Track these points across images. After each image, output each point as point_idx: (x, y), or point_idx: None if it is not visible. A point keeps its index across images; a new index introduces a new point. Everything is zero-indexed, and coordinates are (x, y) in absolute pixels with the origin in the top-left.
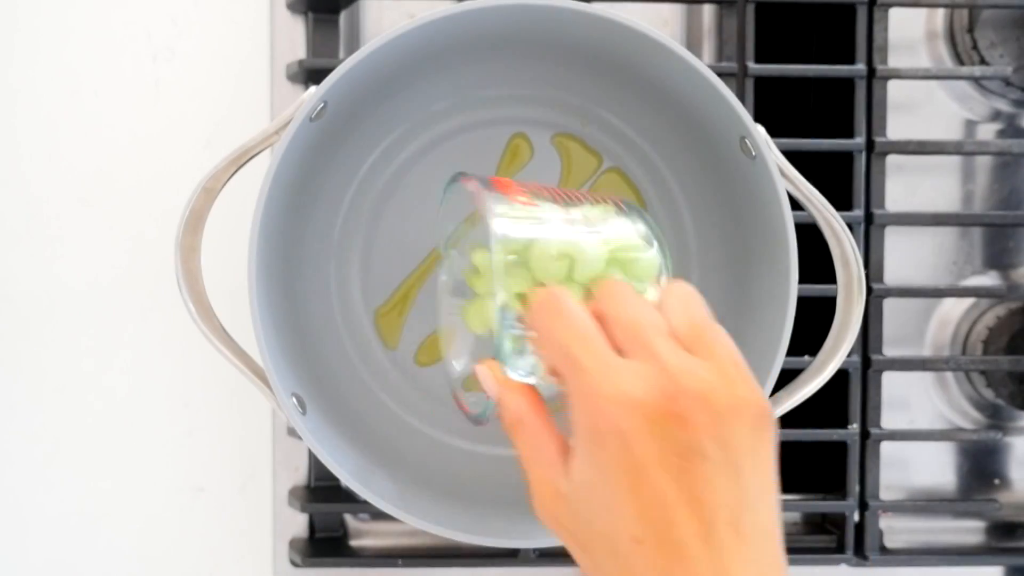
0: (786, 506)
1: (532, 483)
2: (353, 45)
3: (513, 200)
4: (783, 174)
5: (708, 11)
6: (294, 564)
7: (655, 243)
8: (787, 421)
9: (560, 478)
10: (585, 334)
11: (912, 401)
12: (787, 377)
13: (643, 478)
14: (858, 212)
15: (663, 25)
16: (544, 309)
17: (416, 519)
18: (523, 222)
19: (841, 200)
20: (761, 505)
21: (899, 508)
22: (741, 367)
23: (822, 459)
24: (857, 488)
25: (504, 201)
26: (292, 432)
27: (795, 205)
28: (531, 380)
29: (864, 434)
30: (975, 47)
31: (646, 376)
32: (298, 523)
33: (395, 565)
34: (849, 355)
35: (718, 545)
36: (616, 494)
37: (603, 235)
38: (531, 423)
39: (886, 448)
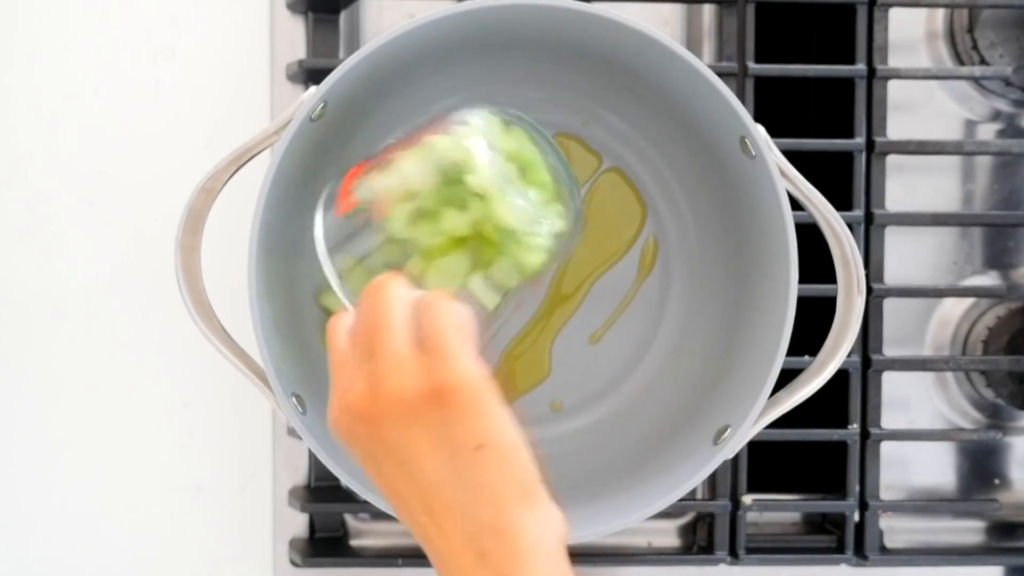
0: (786, 506)
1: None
2: (353, 45)
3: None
4: (783, 174)
5: (708, 11)
6: (294, 564)
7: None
8: (787, 421)
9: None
10: (335, 342)
11: (912, 401)
12: (787, 377)
13: (370, 476)
14: (858, 212)
15: (663, 25)
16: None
17: None
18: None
19: (841, 200)
20: (448, 486)
21: (899, 508)
22: (395, 353)
23: (822, 459)
24: (857, 488)
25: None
26: (292, 432)
27: (795, 205)
28: None
29: (864, 434)
30: (975, 47)
31: (333, 402)
32: (298, 523)
33: (395, 565)
34: (849, 355)
35: (420, 525)
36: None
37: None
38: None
39: (886, 448)
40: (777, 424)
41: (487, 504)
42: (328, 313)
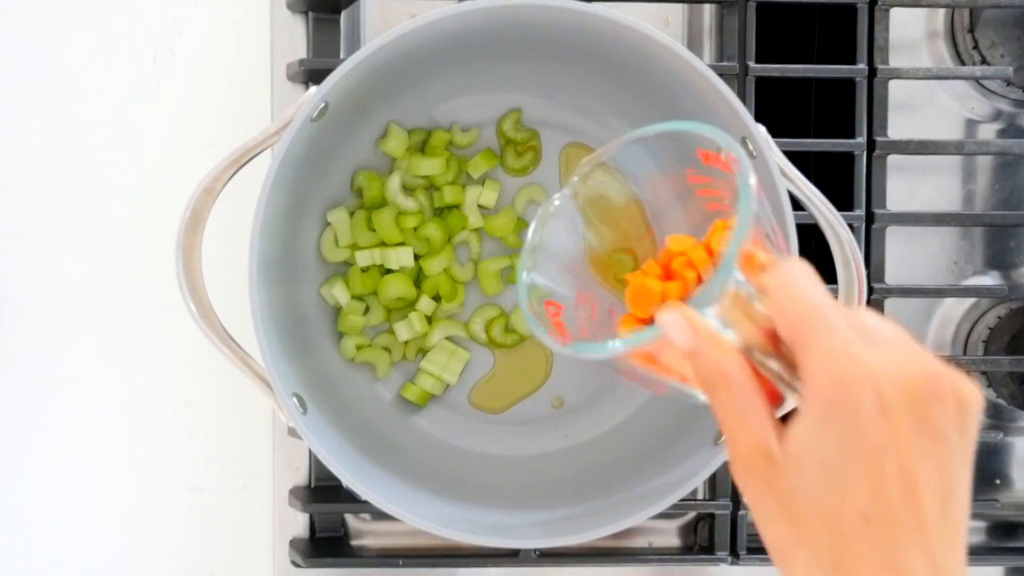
0: None
1: (738, 443)
2: (354, 45)
3: None
4: (784, 174)
5: (709, 11)
6: (295, 564)
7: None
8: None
9: (773, 441)
10: (830, 303)
11: None
12: None
13: (891, 453)
14: (859, 212)
15: (664, 25)
16: (786, 274)
17: (417, 519)
18: None
19: (842, 200)
20: (965, 497)
21: None
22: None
23: None
24: None
25: None
26: (293, 432)
27: (796, 205)
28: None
29: None
30: (976, 47)
31: (901, 353)
32: (299, 523)
33: (396, 565)
34: None
35: (947, 538)
36: (852, 468)
37: None
38: (742, 380)
39: None
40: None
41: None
42: (331, 305)
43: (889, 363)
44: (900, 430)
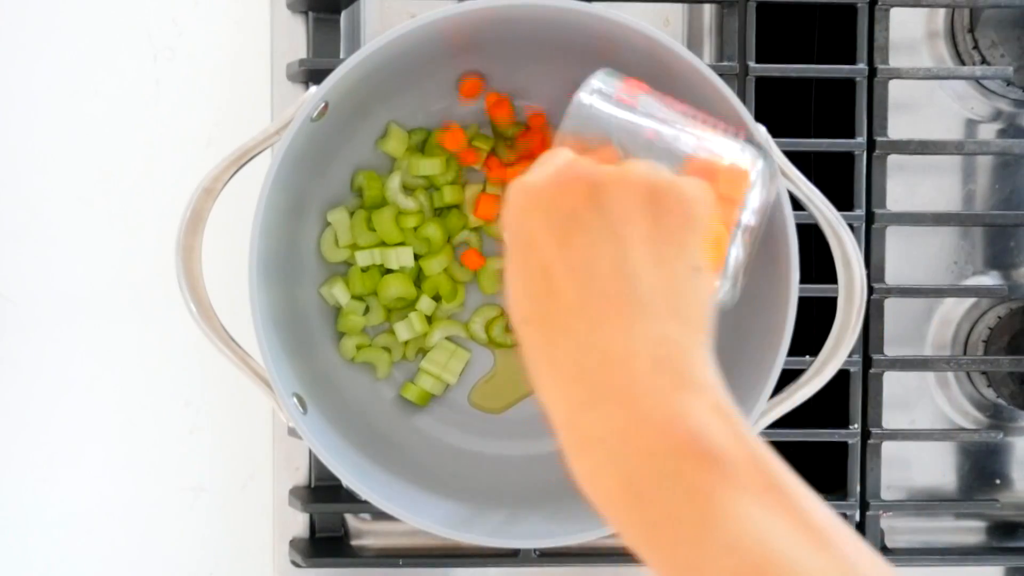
0: None
1: None
2: (354, 45)
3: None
4: (784, 174)
5: (709, 11)
6: (295, 564)
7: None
8: (788, 421)
9: None
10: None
11: (913, 401)
12: (788, 377)
13: (530, 252)
14: (859, 212)
15: (664, 25)
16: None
17: (417, 518)
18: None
19: (842, 200)
20: (646, 278)
21: (900, 508)
22: (663, 173)
23: (823, 459)
24: (858, 488)
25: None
26: (293, 432)
27: (796, 205)
28: None
29: (865, 434)
30: (976, 47)
31: (549, 168)
32: (299, 523)
33: (396, 565)
34: (850, 355)
35: (591, 317)
36: (511, 276)
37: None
38: None
39: (887, 448)
40: (778, 424)
41: (677, 320)
42: (331, 305)
43: (531, 177)
44: (532, 232)
